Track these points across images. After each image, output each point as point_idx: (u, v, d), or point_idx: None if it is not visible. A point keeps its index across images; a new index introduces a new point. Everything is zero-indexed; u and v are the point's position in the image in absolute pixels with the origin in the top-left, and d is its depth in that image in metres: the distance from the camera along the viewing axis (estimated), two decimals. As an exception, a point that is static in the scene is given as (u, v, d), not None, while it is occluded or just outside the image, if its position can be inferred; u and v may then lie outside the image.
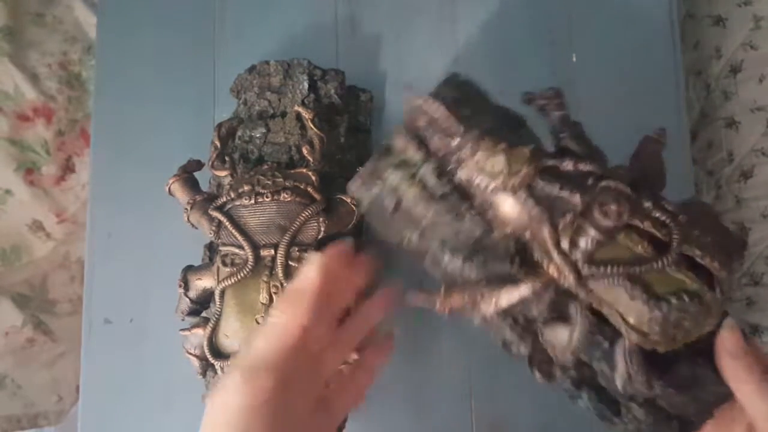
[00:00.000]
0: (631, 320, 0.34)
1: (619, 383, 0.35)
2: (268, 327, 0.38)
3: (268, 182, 0.49)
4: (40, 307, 0.80)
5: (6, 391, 0.78)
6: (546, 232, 0.35)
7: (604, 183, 0.35)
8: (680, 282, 0.34)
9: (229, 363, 0.46)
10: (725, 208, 0.83)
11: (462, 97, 0.39)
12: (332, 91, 0.59)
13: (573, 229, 0.34)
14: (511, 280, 0.35)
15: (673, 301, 0.33)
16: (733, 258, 0.36)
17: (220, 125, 0.55)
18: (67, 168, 0.80)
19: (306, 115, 0.54)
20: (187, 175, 0.55)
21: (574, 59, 0.66)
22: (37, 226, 0.79)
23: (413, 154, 0.39)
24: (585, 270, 0.34)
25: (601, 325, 0.35)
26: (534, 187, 0.35)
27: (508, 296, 0.35)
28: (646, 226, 0.35)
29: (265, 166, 0.52)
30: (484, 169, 0.35)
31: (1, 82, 0.75)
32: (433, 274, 0.40)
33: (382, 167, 0.40)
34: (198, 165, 0.56)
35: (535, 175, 0.35)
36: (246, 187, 0.49)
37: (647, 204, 0.35)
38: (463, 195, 0.38)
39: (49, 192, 0.79)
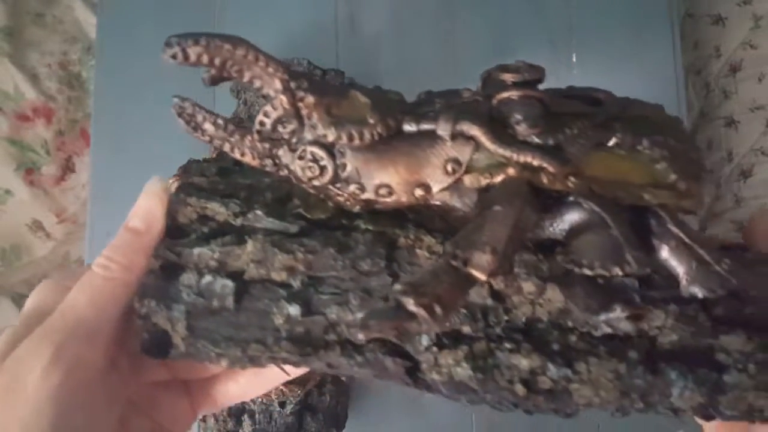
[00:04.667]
0: (645, 180, 0.25)
1: (689, 281, 0.24)
2: (91, 279, 0.26)
3: (268, 182, 0.49)
4: (40, 307, 0.80)
5: (6, 391, 0.79)
6: (478, 131, 0.23)
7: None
8: (644, 118, 0.26)
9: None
10: (725, 207, 0.83)
11: None
12: (332, 91, 0.59)
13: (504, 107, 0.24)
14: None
15: (656, 129, 0.25)
16: None
17: (220, 125, 0.55)
18: (67, 168, 0.80)
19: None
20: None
21: (574, 59, 0.66)
22: (37, 226, 0.79)
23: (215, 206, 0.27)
24: (551, 141, 0.24)
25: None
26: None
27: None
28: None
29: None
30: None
31: (1, 82, 0.76)
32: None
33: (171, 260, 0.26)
34: (198, 165, 0.56)
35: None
36: (246, 187, 0.49)
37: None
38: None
39: (49, 192, 0.79)
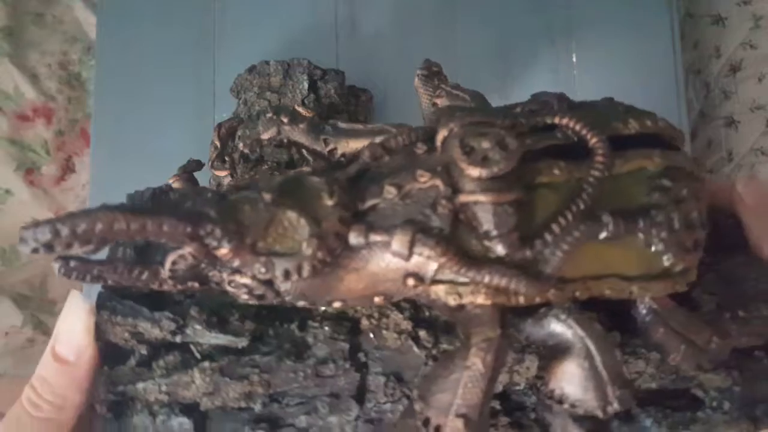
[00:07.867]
0: (636, 271, 0.21)
1: (678, 360, 0.22)
2: (18, 417, 0.23)
3: (269, 182, 0.49)
4: (40, 307, 0.80)
5: (6, 391, 0.79)
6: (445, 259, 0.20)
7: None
8: (639, 171, 0.22)
9: None
10: (725, 208, 0.83)
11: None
12: (332, 91, 0.59)
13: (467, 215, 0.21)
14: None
15: (654, 198, 0.21)
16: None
17: (220, 125, 0.55)
18: (67, 168, 0.80)
19: (306, 115, 0.54)
20: (187, 175, 0.55)
21: (574, 59, 0.66)
22: (37, 226, 0.79)
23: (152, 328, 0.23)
24: (528, 255, 0.20)
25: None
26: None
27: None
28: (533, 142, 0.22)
29: (265, 167, 0.52)
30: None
31: (1, 82, 0.75)
32: None
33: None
34: (198, 165, 0.56)
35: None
36: (246, 187, 0.49)
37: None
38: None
39: (49, 192, 0.79)
